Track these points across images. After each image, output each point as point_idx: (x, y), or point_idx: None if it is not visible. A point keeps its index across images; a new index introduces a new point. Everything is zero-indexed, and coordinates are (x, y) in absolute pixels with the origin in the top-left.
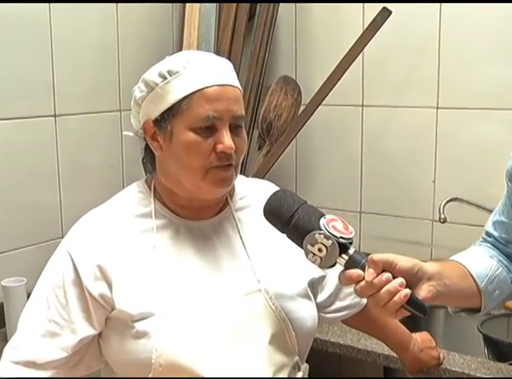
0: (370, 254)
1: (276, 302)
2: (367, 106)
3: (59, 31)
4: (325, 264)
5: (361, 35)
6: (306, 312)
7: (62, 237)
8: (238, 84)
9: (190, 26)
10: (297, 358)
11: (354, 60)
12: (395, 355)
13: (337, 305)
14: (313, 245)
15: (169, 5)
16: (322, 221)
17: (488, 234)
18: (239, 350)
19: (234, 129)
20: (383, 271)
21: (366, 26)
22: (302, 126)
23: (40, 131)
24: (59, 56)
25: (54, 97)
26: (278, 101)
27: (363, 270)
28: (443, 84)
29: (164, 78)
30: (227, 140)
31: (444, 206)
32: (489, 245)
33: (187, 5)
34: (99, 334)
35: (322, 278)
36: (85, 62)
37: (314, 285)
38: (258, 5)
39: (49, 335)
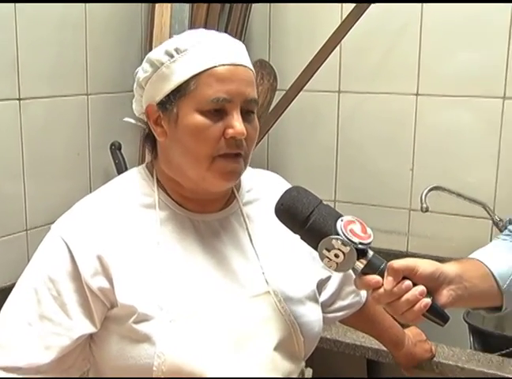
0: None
1: (286, 306)
2: (343, 93)
3: (24, 6)
4: (342, 269)
5: (343, 20)
6: (314, 316)
7: (27, 229)
8: (251, 66)
9: (161, 4)
10: (303, 364)
11: (336, 45)
12: (384, 349)
13: (339, 304)
14: (329, 251)
15: None
16: (339, 224)
17: None
18: (245, 357)
19: (245, 115)
20: (404, 277)
21: (344, 10)
22: (281, 114)
23: (3, 115)
24: (25, 33)
25: (18, 79)
26: None
27: (382, 275)
28: (424, 71)
29: (171, 56)
30: (238, 124)
31: (426, 195)
32: None
33: None
34: (91, 336)
35: (328, 278)
36: (50, 40)
37: (320, 286)
38: None
39: (40, 334)
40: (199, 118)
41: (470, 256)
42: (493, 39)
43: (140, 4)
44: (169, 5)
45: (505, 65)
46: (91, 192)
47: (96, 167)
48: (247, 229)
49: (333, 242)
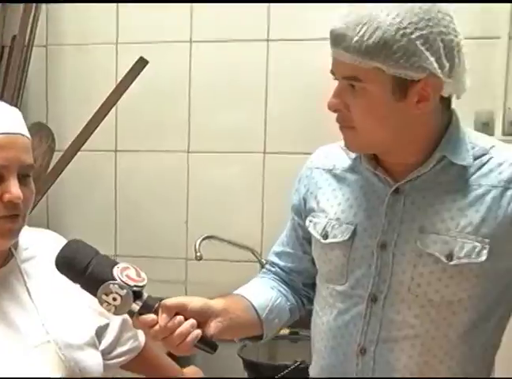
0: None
1: (66, 352)
2: (120, 151)
3: None
4: (120, 311)
5: (119, 83)
6: (93, 361)
7: None
8: (27, 133)
9: None
10: None
11: (112, 107)
12: None
13: (119, 350)
14: (107, 295)
15: None
16: (116, 270)
17: (273, 264)
18: None
19: (22, 179)
20: (176, 313)
21: (118, 70)
22: (59, 174)
23: None
24: None
25: None
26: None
27: (157, 314)
28: (193, 129)
29: None
30: (14, 190)
31: (200, 244)
32: (272, 275)
33: None
34: None
35: (107, 325)
36: None
37: (99, 333)
38: (7, 47)
39: None
40: None
41: (234, 292)
42: (253, 100)
43: None
44: None
45: (263, 123)
46: None
47: None
48: (25, 284)
49: (111, 286)
